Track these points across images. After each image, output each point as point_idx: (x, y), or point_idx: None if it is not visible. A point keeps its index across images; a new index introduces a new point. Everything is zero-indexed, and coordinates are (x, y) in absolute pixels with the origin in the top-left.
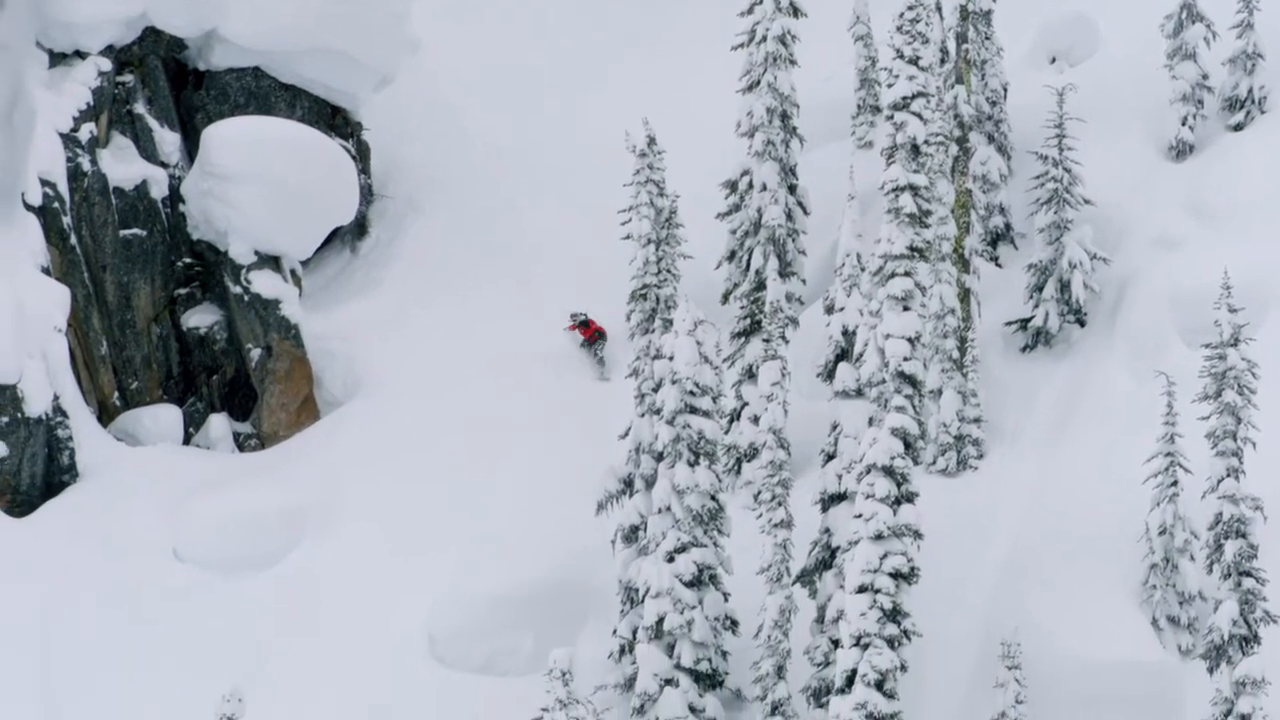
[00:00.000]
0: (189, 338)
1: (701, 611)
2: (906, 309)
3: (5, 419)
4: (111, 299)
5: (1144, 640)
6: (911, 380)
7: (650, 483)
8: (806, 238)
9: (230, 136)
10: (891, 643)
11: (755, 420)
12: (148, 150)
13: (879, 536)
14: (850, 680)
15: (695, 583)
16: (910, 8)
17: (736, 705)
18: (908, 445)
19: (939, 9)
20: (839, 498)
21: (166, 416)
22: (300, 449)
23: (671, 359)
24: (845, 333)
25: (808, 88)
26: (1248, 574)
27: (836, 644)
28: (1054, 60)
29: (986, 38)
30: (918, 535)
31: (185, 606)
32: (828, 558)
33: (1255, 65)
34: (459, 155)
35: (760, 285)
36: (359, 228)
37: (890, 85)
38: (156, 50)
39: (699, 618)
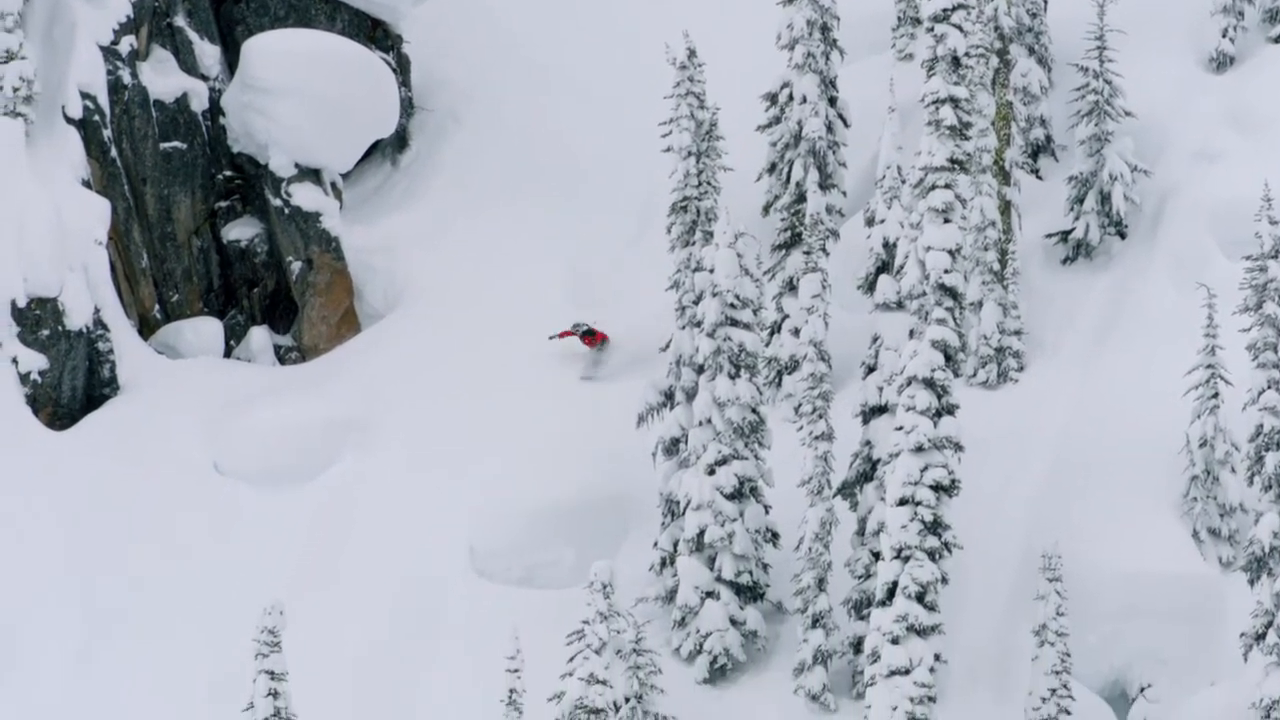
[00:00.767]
0: (229, 250)
1: (742, 524)
2: (947, 221)
3: (46, 332)
4: (152, 212)
5: (1185, 552)
6: (952, 293)
7: (691, 395)
8: (847, 150)
9: (270, 49)
10: (932, 555)
11: (796, 333)
12: (188, 63)
13: (920, 449)
14: (891, 593)
15: (736, 495)
16: None
17: (777, 618)
18: (948, 358)
19: None
20: (879, 410)
21: (207, 329)
22: (341, 362)
23: (712, 271)
24: (886, 245)
25: (848, 0)
26: None
27: (877, 556)
28: None
29: None
30: (958, 448)
31: (225, 519)
32: (868, 470)
33: None
34: (499, 68)
35: (800, 198)
36: (399, 141)
37: None
38: None
39: (740, 530)
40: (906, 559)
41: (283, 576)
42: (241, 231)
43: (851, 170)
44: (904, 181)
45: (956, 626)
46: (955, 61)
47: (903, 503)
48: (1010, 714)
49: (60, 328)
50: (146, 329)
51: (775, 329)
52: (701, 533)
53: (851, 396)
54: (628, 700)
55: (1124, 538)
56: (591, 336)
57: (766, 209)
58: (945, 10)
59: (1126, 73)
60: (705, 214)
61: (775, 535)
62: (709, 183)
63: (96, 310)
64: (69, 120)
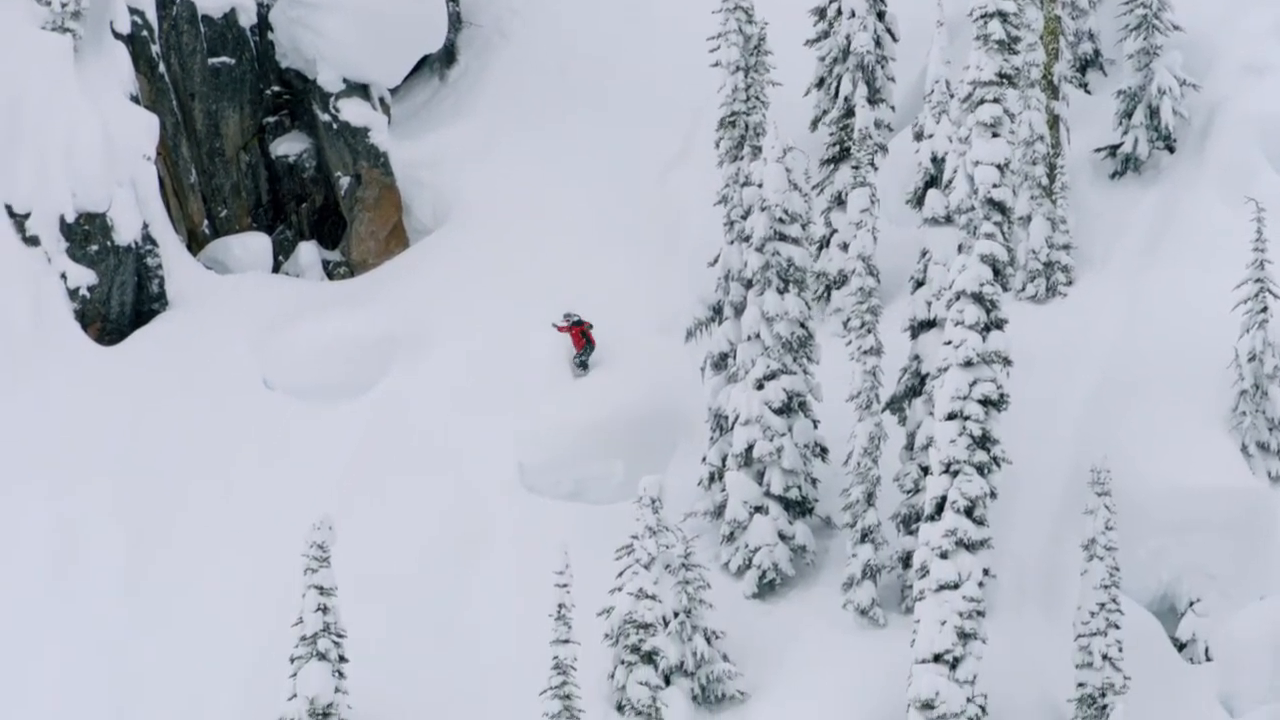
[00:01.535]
0: (278, 166)
1: (791, 439)
2: (995, 135)
3: (95, 247)
4: (200, 127)
5: (1233, 466)
6: (1000, 207)
7: (739, 310)
8: (895, 64)
9: None
10: (981, 469)
11: (844, 247)
12: None
13: (968, 363)
14: (940, 507)
15: (784, 410)
16: None
17: (826, 532)
18: (997, 272)
19: None
20: (928, 325)
21: (256, 244)
22: (389, 277)
23: (760, 186)
24: (934, 159)
25: None
26: None
27: (926, 471)
28: None
29: None
30: (1007, 362)
31: (274, 434)
32: (917, 385)
33: None
34: None
35: (849, 112)
36: (447, 55)
37: None
38: None
39: (788, 445)
40: (955, 474)
41: (331, 492)
42: (290, 147)
43: (900, 85)
44: (952, 96)
45: (1005, 541)
46: None
47: (951, 417)
48: (1059, 628)
49: (109, 243)
50: (195, 244)
51: (824, 244)
52: (750, 447)
53: (900, 311)
54: (676, 615)
55: (1172, 452)
56: (582, 333)
57: (815, 124)
58: None
59: None
60: (753, 129)
61: (824, 450)
62: (757, 97)
63: (145, 226)
64: (117, 36)
